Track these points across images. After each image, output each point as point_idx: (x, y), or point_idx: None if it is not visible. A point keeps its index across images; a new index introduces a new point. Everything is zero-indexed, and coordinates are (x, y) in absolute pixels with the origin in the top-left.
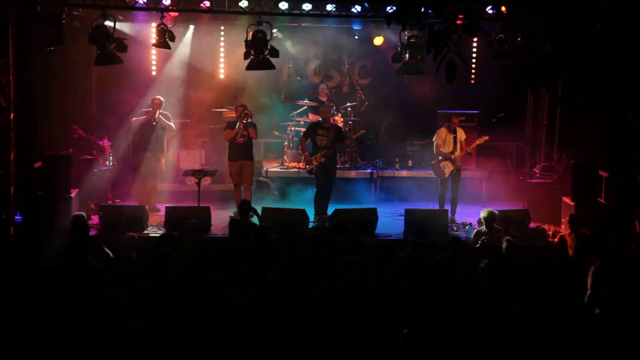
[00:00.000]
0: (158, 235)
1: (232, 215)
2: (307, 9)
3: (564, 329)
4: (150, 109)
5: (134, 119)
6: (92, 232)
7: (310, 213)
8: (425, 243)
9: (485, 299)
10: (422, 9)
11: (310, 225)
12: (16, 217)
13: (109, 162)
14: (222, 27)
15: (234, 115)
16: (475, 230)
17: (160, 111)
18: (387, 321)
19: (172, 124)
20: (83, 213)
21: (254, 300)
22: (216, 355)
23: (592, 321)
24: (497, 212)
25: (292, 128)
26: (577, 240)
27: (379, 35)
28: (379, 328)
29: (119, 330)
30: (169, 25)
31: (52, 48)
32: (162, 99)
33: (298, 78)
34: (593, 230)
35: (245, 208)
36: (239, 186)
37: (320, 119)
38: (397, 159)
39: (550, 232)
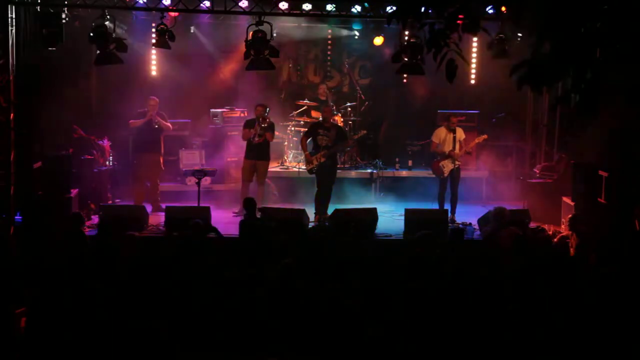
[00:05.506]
0: (158, 235)
1: (235, 212)
2: (307, 8)
3: (564, 329)
4: (147, 110)
5: (132, 121)
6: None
7: (311, 213)
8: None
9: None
10: (422, 9)
11: (310, 225)
12: (16, 217)
13: (109, 162)
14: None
15: (237, 115)
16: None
17: (157, 111)
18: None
19: (169, 124)
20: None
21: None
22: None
23: (591, 321)
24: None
25: (292, 128)
26: (578, 240)
27: (379, 35)
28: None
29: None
30: (169, 25)
31: (53, 48)
32: (157, 99)
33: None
34: (593, 230)
35: (251, 206)
36: (247, 184)
37: (320, 118)
38: (397, 159)
39: (550, 232)
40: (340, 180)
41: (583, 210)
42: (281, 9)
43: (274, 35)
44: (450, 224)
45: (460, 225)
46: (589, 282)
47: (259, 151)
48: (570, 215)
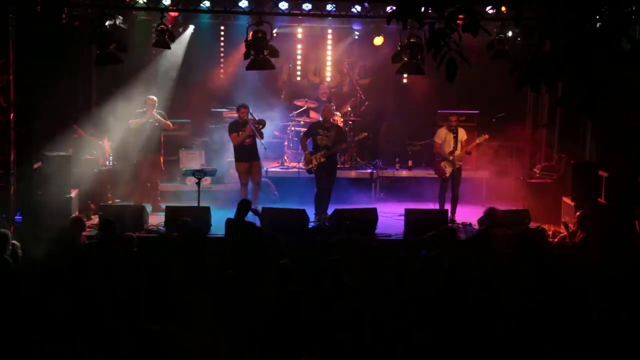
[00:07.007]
0: (158, 235)
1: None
2: (307, 9)
3: (567, 330)
4: (146, 109)
5: (132, 121)
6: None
7: (311, 213)
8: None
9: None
10: (422, 9)
11: (311, 225)
12: (16, 217)
13: (109, 162)
14: (222, 27)
15: (236, 115)
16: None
17: (155, 110)
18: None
19: (169, 123)
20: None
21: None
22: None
23: (591, 321)
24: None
25: (292, 128)
26: (585, 237)
27: (379, 35)
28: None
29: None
30: (169, 25)
31: (52, 48)
32: (155, 98)
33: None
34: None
35: (243, 207)
36: (246, 185)
37: (320, 118)
38: (397, 159)
39: (550, 232)
40: (340, 180)
41: (583, 210)
42: (281, 9)
43: (274, 35)
44: (450, 224)
45: (460, 226)
46: (592, 283)
47: (253, 152)
48: (579, 213)
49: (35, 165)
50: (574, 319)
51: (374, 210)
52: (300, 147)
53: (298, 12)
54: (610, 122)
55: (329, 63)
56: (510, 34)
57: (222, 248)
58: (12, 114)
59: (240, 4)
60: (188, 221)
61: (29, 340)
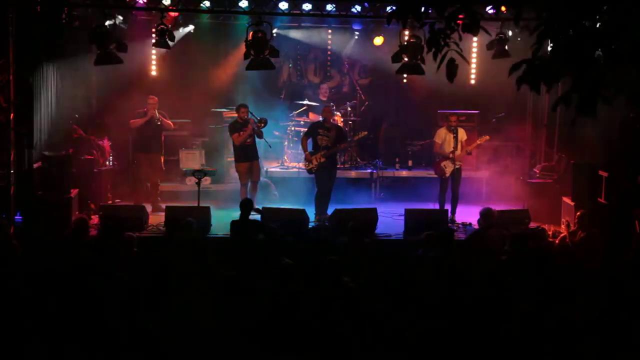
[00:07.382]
0: (157, 235)
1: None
2: (307, 9)
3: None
4: (147, 109)
5: (132, 120)
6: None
7: (311, 213)
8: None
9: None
10: (422, 8)
11: (311, 225)
12: (16, 217)
13: (109, 162)
14: (222, 27)
15: (235, 115)
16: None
17: (157, 110)
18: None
19: (170, 122)
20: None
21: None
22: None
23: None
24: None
25: (292, 128)
26: (585, 238)
27: (379, 35)
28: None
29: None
30: (169, 25)
31: (53, 48)
32: (156, 98)
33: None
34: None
35: (245, 207)
36: (246, 186)
37: (320, 118)
38: (397, 159)
39: (550, 232)
40: (340, 180)
41: (583, 210)
42: (281, 9)
43: (274, 35)
44: (450, 224)
45: (461, 226)
46: (593, 283)
47: (253, 152)
48: (580, 213)
49: (35, 165)
50: (573, 319)
51: (374, 210)
52: (300, 147)
53: (298, 12)
54: (610, 122)
55: (329, 63)
56: (510, 33)
57: (222, 248)
58: (12, 114)
59: (240, 4)
60: (192, 221)
61: (29, 341)
